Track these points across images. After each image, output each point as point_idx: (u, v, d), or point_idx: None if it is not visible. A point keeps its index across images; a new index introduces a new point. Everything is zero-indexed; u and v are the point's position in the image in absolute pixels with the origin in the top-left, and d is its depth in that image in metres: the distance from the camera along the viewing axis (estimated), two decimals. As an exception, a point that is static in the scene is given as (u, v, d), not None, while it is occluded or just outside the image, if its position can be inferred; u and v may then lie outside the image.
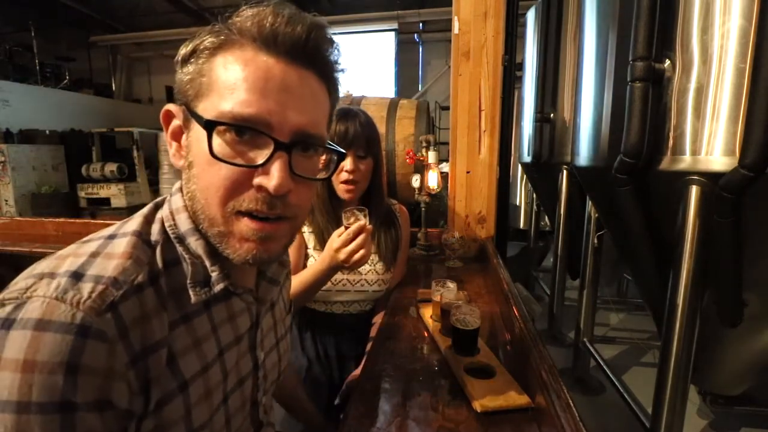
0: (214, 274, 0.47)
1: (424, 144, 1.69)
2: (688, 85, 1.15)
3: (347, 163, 1.10)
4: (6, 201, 5.10)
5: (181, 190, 0.49)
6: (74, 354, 0.36)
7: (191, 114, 0.45)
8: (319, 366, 1.19)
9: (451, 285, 1.03)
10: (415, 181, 1.70)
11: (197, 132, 0.44)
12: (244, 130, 0.43)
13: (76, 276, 0.40)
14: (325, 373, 1.19)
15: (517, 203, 4.20)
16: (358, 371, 1.00)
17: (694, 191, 1.18)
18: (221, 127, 0.43)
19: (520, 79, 2.91)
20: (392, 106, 2.80)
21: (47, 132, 5.75)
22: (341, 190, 1.13)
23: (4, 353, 0.35)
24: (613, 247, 2.02)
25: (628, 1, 1.26)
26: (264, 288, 0.58)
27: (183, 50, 0.46)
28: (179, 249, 0.47)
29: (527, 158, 2.77)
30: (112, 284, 0.40)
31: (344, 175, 1.10)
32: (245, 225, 0.45)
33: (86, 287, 0.39)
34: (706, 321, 1.34)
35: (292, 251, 1.12)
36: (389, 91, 6.90)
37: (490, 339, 1.01)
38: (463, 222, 1.78)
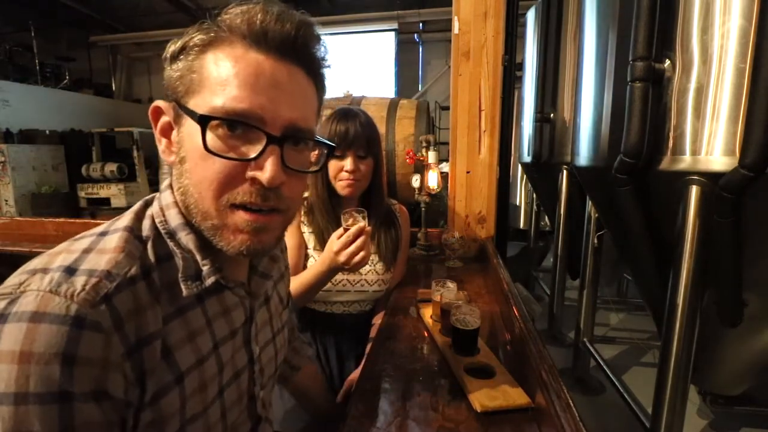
0: (205, 268, 0.48)
1: (424, 144, 1.69)
2: (688, 85, 1.15)
3: (347, 163, 1.10)
4: (6, 201, 5.10)
5: (171, 186, 0.50)
6: (70, 344, 0.36)
7: (183, 109, 0.45)
8: (319, 366, 1.19)
9: (451, 285, 1.03)
10: (415, 181, 1.70)
11: (189, 127, 0.45)
12: (237, 124, 0.44)
13: (69, 271, 0.40)
14: (324, 373, 1.19)
15: (517, 203, 4.20)
16: (358, 371, 1.00)
17: (694, 191, 1.18)
18: (214, 122, 0.43)
19: (520, 79, 2.91)
20: (392, 106, 2.80)
21: (47, 132, 5.75)
22: (341, 189, 1.13)
23: (0, 346, 0.35)
24: (613, 247, 2.02)
25: (628, 1, 1.26)
26: (256, 282, 0.58)
27: (172, 47, 0.46)
28: (170, 244, 0.48)
29: (527, 158, 2.77)
30: (106, 277, 0.41)
31: (344, 175, 1.11)
32: (239, 217, 0.46)
33: (80, 280, 0.39)
34: (706, 321, 1.34)
35: (292, 252, 1.12)
36: (389, 91, 6.90)
37: (490, 339, 1.01)
38: (463, 222, 1.78)
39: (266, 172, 0.44)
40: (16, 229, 2.30)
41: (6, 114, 5.31)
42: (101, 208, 5.58)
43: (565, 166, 2.42)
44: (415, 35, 6.79)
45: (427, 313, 1.07)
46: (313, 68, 0.50)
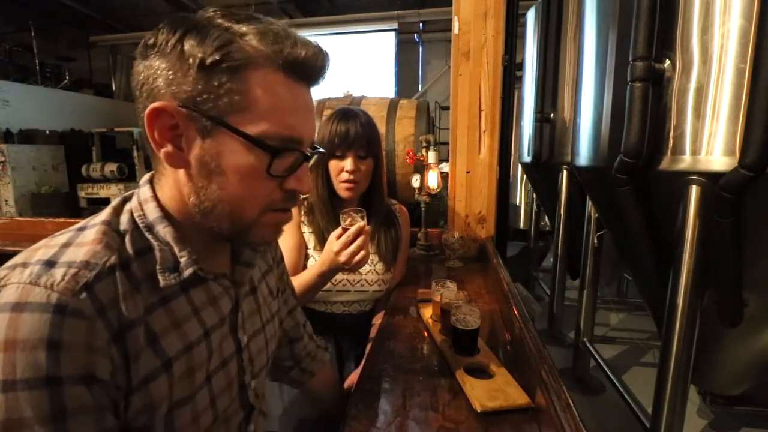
0: (182, 260, 0.49)
1: (424, 144, 1.69)
2: (688, 85, 1.15)
3: (348, 164, 1.10)
4: (6, 201, 5.09)
5: (150, 181, 0.52)
6: (54, 330, 0.37)
7: (225, 126, 0.45)
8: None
9: (451, 285, 1.03)
10: (415, 181, 1.70)
11: (230, 144, 0.46)
12: (288, 149, 0.48)
13: (49, 263, 0.41)
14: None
15: (517, 203, 4.20)
16: (358, 371, 1.00)
17: (694, 191, 1.18)
18: (268, 145, 0.47)
19: (520, 79, 2.91)
20: (392, 106, 2.79)
21: (47, 132, 5.74)
22: (342, 189, 1.13)
23: None
24: (613, 247, 2.02)
25: (628, 1, 1.26)
26: (240, 271, 0.60)
27: (198, 55, 0.44)
28: (148, 236, 0.49)
29: (527, 158, 2.77)
30: (84, 267, 0.42)
31: (345, 176, 1.11)
32: (275, 217, 0.53)
33: (59, 272, 0.40)
34: (706, 321, 1.34)
35: (293, 252, 1.13)
36: (389, 91, 6.89)
37: (490, 339, 1.01)
38: (463, 222, 1.78)
39: (304, 185, 0.52)
40: (16, 229, 2.30)
41: (6, 114, 5.30)
42: (101, 208, 5.51)
43: (565, 166, 2.42)
44: (415, 35, 6.79)
45: (427, 313, 1.07)
46: None
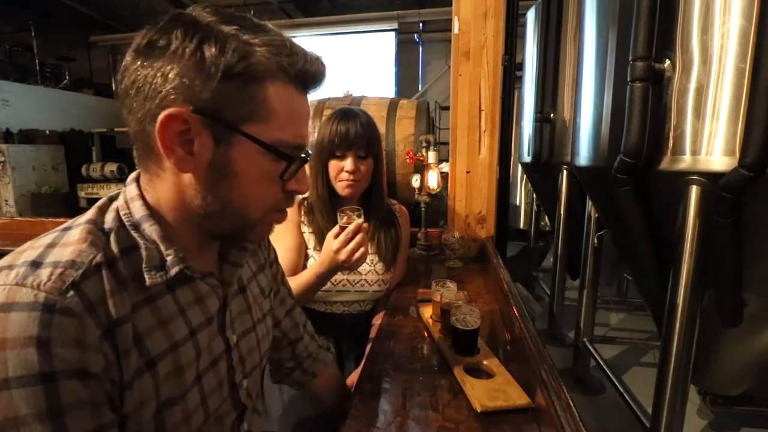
0: (169, 258, 0.49)
1: (424, 144, 1.69)
2: (688, 85, 1.15)
3: (348, 164, 1.10)
4: (6, 201, 5.09)
5: (136, 180, 0.52)
6: (43, 327, 0.37)
7: (246, 135, 0.47)
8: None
9: (451, 285, 1.02)
10: (415, 181, 1.70)
11: (244, 150, 0.48)
12: (299, 157, 0.52)
13: (34, 264, 0.41)
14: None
15: (517, 203, 4.20)
16: (358, 371, 1.00)
17: (694, 191, 1.18)
18: (280, 152, 0.50)
19: (520, 79, 2.91)
20: (392, 106, 2.79)
21: (47, 132, 5.75)
22: (341, 188, 1.13)
23: None
24: (613, 247, 2.02)
25: (628, 1, 1.26)
26: (227, 271, 0.60)
27: (222, 65, 0.44)
28: (134, 235, 0.49)
29: (527, 158, 2.77)
30: (70, 266, 0.42)
31: (345, 176, 1.11)
32: (276, 216, 0.56)
33: (45, 272, 0.40)
34: (706, 321, 1.34)
35: (293, 252, 1.13)
36: (389, 91, 6.88)
37: (490, 339, 1.01)
38: (463, 222, 1.78)
39: (303, 186, 0.56)
40: (16, 229, 2.30)
41: (6, 114, 5.31)
42: (100, 209, 5.57)
43: (565, 166, 2.42)
44: (415, 35, 6.78)
45: (427, 313, 1.07)
46: None
